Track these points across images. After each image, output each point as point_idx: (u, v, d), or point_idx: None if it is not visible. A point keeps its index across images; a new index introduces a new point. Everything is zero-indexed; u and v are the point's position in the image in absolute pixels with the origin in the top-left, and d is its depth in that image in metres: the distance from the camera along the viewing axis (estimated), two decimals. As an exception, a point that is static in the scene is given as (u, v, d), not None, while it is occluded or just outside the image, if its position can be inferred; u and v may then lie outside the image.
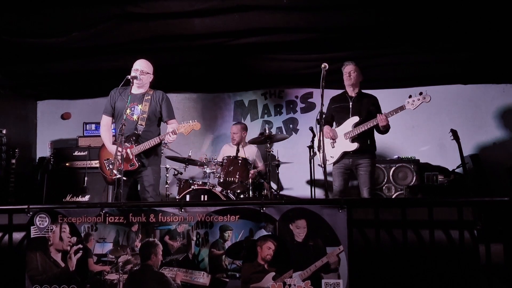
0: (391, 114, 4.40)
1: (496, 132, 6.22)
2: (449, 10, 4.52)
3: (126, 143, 4.21)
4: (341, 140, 4.60)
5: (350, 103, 4.66)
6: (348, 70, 4.69)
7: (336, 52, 5.46)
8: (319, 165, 4.82)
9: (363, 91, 4.79)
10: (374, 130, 4.64)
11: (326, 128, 4.59)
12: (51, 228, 3.38)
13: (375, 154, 4.71)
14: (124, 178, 4.06)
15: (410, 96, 4.37)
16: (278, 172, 5.76)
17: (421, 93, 4.35)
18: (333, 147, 4.61)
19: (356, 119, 4.55)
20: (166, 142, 4.40)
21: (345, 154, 4.59)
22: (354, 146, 4.52)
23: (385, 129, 4.51)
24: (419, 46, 5.38)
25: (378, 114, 4.42)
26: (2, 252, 3.48)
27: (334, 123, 4.78)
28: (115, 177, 4.02)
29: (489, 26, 4.80)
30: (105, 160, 4.37)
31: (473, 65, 5.83)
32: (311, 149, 5.20)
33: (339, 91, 4.92)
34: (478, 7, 4.43)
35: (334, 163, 4.66)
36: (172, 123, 4.42)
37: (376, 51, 5.53)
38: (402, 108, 4.38)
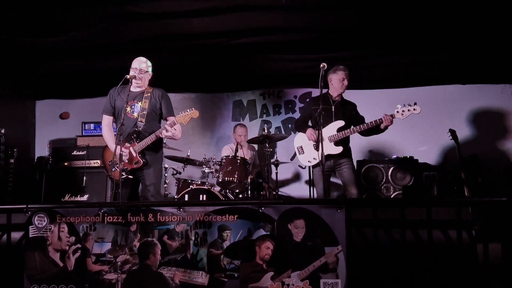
0: (395, 115, 4.43)
1: (495, 132, 6.22)
2: (448, 10, 4.53)
3: (128, 142, 4.21)
4: (325, 143, 4.53)
5: (333, 107, 4.68)
6: (345, 77, 4.70)
7: (335, 52, 5.46)
8: (300, 166, 4.87)
9: (364, 91, 4.82)
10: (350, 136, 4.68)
11: (311, 130, 4.65)
12: (50, 227, 3.39)
13: (352, 156, 4.81)
14: (130, 177, 4.10)
15: (403, 105, 4.41)
16: (277, 172, 5.77)
17: (415, 103, 4.39)
18: (315, 149, 4.57)
19: (341, 123, 4.60)
20: (165, 136, 4.34)
21: (327, 157, 4.55)
22: (339, 149, 4.57)
23: (383, 130, 4.53)
24: (418, 46, 5.39)
25: (384, 114, 4.43)
26: (0, 251, 3.48)
27: (310, 124, 4.82)
28: (122, 177, 3.97)
29: (488, 27, 4.81)
30: (109, 162, 4.34)
31: (471, 65, 5.83)
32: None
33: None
34: (477, 7, 4.44)
35: (315, 166, 4.64)
36: (171, 119, 4.42)
37: (375, 51, 5.53)
38: (392, 116, 4.42)
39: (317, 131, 4.61)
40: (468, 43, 5.22)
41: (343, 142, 4.62)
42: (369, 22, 4.80)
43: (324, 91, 4.66)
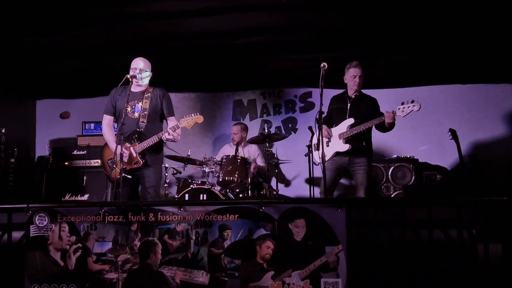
0: (397, 113, 4.40)
1: (495, 132, 6.23)
2: (448, 9, 4.53)
3: (129, 142, 4.21)
4: (335, 140, 4.61)
5: (348, 104, 4.68)
6: (356, 74, 4.67)
7: (335, 52, 5.47)
8: (314, 162, 4.88)
9: (364, 91, 4.80)
10: (372, 132, 4.68)
11: (325, 128, 4.58)
12: (51, 227, 3.39)
13: (371, 155, 4.76)
14: (129, 177, 4.09)
15: (402, 103, 4.42)
16: (277, 172, 5.77)
17: (412, 101, 4.40)
18: (327, 146, 4.60)
19: (351, 121, 4.59)
20: (166, 139, 4.34)
21: (337, 154, 4.61)
22: (346, 147, 4.56)
23: (390, 127, 4.49)
24: (418, 46, 5.39)
25: (386, 111, 4.42)
26: (1, 251, 3.47)
27: (334, 124, 4.79)
28: (119, 176, 3.98)
29: (488, 26, 4.82)
30: (108, 160, 4.35)
31: (471, 65, 5.84)
32: (309, 148, 5.22)
33: (338, 91, 4.93)
34: (477, 7, 4.44)
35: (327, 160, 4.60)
36: (171, 120, 4.42)
37: (375, 51, 5.54)
38: (393, 112, 4.41)
39: (330, 129, 4.65)
40: (468, 42, 5.22)
41: (356, 139, 4.56)
42: (369, 22, 4.81)
43: (326, 90, 4.64)
